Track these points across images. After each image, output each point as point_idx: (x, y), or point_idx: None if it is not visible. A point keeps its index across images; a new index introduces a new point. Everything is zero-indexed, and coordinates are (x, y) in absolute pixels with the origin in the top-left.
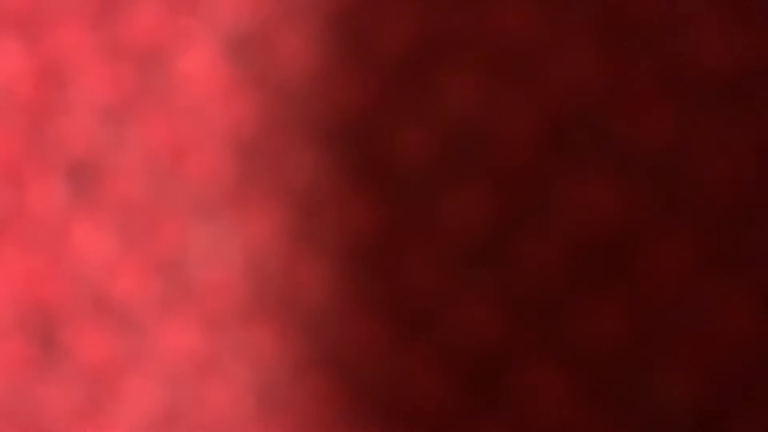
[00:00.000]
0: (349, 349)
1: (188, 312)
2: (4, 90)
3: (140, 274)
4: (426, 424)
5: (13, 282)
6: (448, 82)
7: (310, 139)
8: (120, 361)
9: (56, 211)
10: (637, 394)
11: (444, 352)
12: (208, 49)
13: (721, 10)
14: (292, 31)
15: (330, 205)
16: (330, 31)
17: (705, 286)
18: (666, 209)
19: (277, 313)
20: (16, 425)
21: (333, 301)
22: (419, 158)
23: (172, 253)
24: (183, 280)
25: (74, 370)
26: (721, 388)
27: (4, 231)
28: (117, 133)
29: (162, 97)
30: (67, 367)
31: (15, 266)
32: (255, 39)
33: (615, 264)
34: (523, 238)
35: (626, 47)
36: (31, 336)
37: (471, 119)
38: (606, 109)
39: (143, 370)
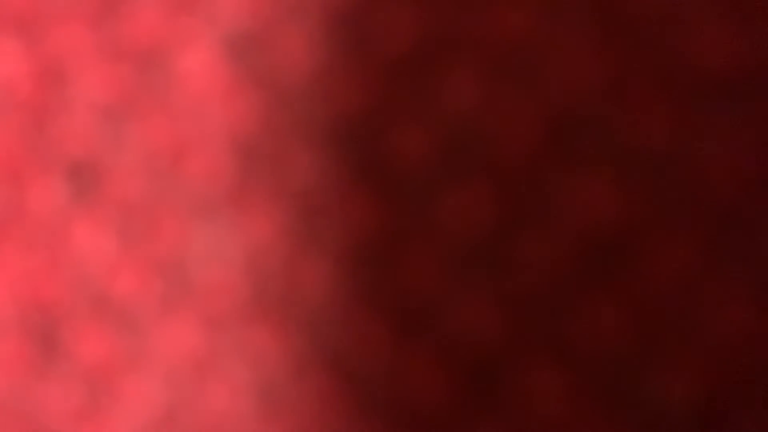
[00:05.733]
0: (349, 349)
1: (188, 312)
2: (4, 90)
3: (140, 274)
4: (426, 423)
5: (13, 282)
6: (448, 82)
7: (310, 139)
8: (120, 361)
9: (56, 211)
10: (637, 394)
11: (444, 351)
12: (208, 49)
13: (721, 10)
14: (292, 31)
15: (330, 205)
16: (330, 31)
17: (705, 286)
18: (666, 209)
19: (277, 313)
20: (16, 425)
21: (333, 301)
22: (419, 158)
23: (172, 253)
24: (183, 280)
25: (74, 370)
26: (721, 388)
27: (4, 231)
28: (117, 133)
29: (162, 97)
30: (67, 367)
31: (15, 266)
32: (255, 39)
33: (615, 264)
34: (523, 238)
35: (626, 47)
36: (31, 336)
37: (471, 119)
38: (606, 109)
39: (143, 370)
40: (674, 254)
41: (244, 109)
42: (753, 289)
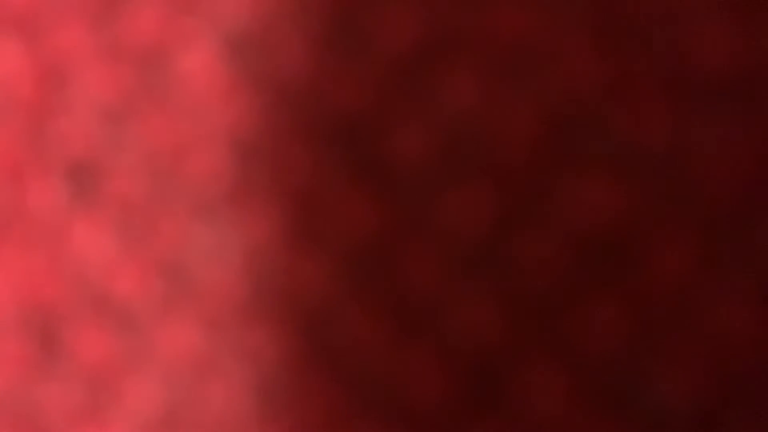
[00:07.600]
0: (349, 349)
1: (188, 312)
2: (4, 90)
3: (140, 274)
4: (426, 423)
5: (13, 282)
6: (448, 81)
7: (310, 139)
8: (120, 361)
9: (56, 211)
10: (637, 394)
11: (444, 351)
12: (208, 49)
13: (721, 10)
14: (292, 31)
15: (329, 205)
16: (330, 31)
17: (705, 286)
18: (666, 209)
19: (277, 313)
20: (16, 425)
21: (333, 301)
22: (419, 158)
23: (172, 253)
24: (183, 280)
25: (74, 370)
26: (721, 388)
27: (4, 231)
28: (117, 133)
29: (162, 97)
30: (67, 367)
31: (15, 266)
32: (255, 39)
33: (615, 264)
34: (523, 238)
35: (626, 47)
36: (31, 336)
37: (471, 119)
38: (606, 109)
39: (143, 370)
40: (674, 254)
41: (244, 109)
42: (752, 289)
